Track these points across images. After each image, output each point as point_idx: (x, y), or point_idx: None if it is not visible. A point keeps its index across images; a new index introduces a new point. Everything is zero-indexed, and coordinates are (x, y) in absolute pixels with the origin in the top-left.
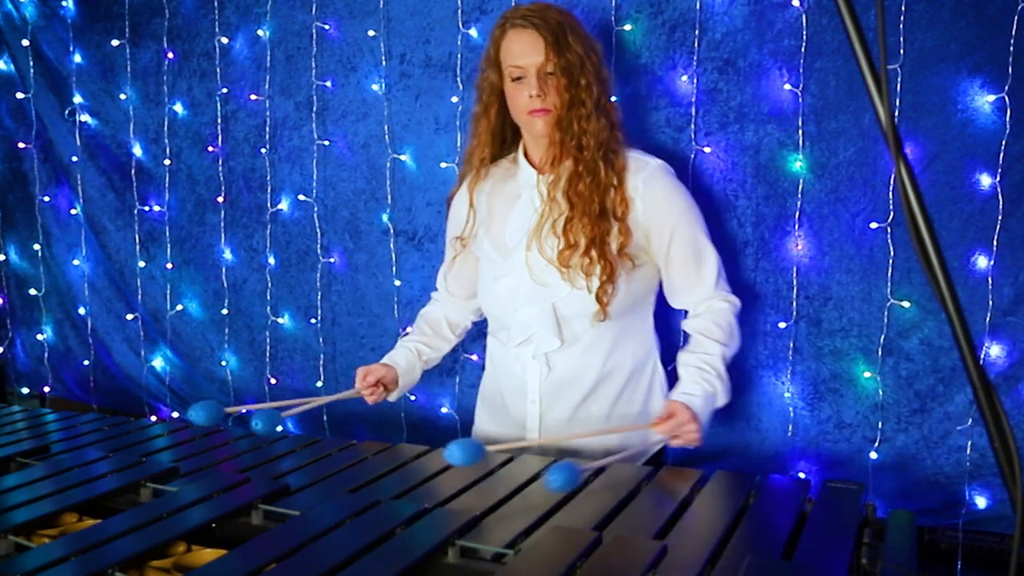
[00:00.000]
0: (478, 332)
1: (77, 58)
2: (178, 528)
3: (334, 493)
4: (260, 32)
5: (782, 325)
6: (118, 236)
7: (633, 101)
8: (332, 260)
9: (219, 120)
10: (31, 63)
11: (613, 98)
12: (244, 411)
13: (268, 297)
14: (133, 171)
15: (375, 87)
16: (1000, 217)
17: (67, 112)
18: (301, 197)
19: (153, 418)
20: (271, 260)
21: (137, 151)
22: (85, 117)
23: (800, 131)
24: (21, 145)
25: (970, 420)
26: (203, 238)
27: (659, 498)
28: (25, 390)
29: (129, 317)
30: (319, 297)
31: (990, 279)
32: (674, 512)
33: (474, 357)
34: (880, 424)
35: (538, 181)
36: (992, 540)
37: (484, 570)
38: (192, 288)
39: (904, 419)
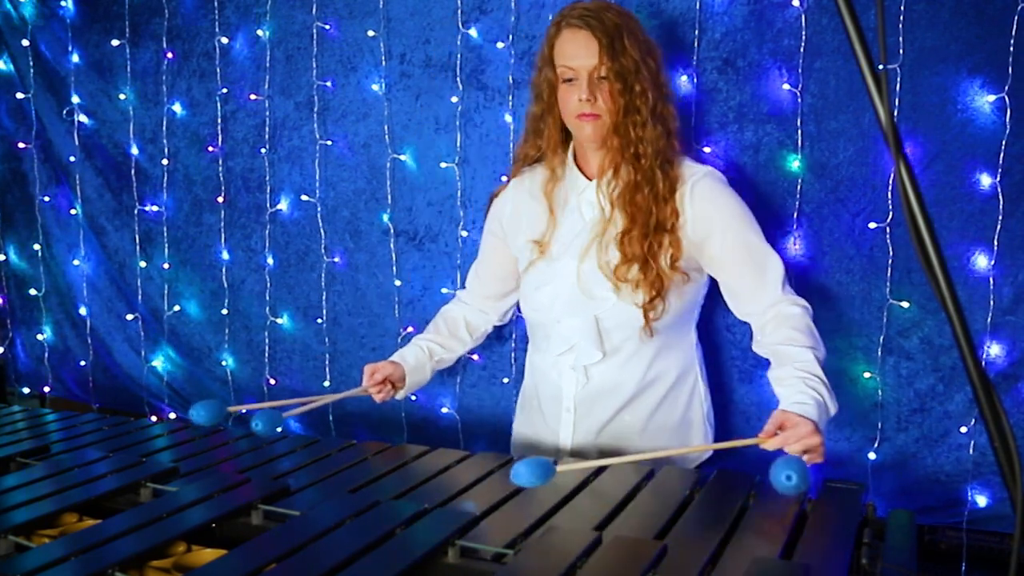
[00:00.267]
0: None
1: (75, 58)
2: (178, 528)
3: (334, 493)
4: (260, 32)
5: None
6: (117, 236)
7: None
8: (335, 260)
9: (218, 120)
10: (30, 63)
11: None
12: (244, 411)
13: (267, 297)
14: (132, 171)
15: (375, 87)
16: (1000, 217)
17: (65, 112)
18: (304, 197)
19: (153, 418)
20: (269, 260)
21: (135, 151)
22: (83, 117)
23: (799, 131)
24: (21, 145)
25: (971, 419)
26: (201, 238)
27: (659, 498)
28: (25, 390)
29: (129, 317)
30: (322, 297)
31: (991, 279)
32: (674, 512)
33: (475, 357)
34: (880, 424)
35: (588, 188)
36: (992, 540)
37: (484, 570)
38: (190, 288)
39: (904, 418)
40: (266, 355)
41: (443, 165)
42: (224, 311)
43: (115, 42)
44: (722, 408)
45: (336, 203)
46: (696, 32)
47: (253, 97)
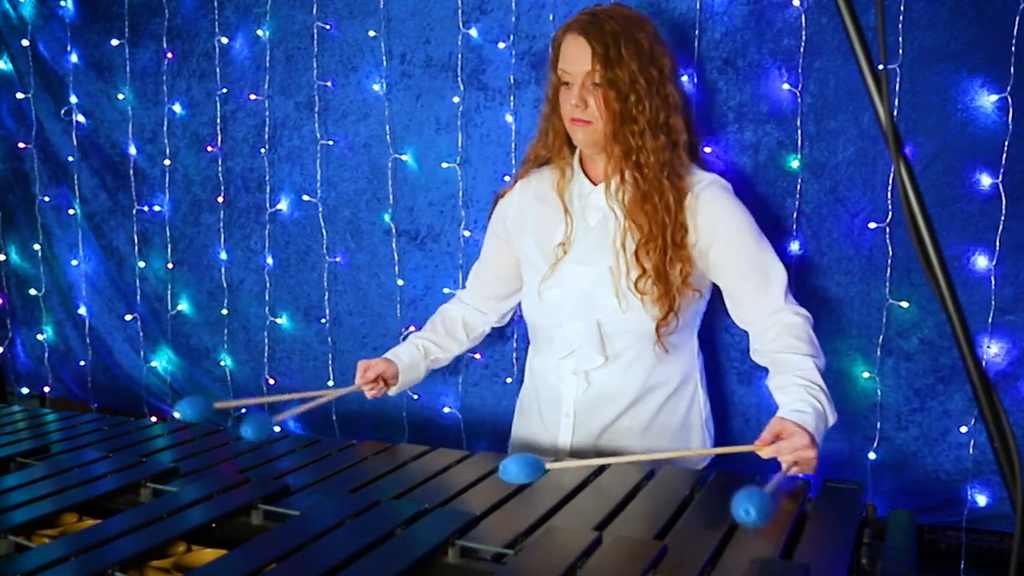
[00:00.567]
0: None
1: (75, 58)
2: (178, 528)
3: (334, 493)
4: (260, 32)
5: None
6: (116, 236)
7: None
8: (337, 260)
9: (218, 120)
10: (30, 63)
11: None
12: (234, 409)
13: (266, 297)
14: (131, 171)
15: (376, 87)
16: (1003, 217)
17: (63, 112)
18: (305, 197)
19: (153, 418)
20: (269, 260)
21: (134, 151)
22: (80, 117)
23: (799, 131)
24: (21, 145)
25: (970, 419)
26: (200, 238)
27: (659, 498)
28: (25, 390)
29: (128, 317)
30: (324, 297)
31: (991, 279)
32: (674, 512)
33: (477, 356)
34: (879, 424)
35: (593, 192)
36: (992, 539)
37: (484, 570)
38: (189, 288)
39: (904, 418)
40: (265, 355)
41: (444, 165)
42: (223, 311)
43: (115, 42)
44: (721, 411)
45: (337, 203)
46: (696, 32)
47: (253, 97)
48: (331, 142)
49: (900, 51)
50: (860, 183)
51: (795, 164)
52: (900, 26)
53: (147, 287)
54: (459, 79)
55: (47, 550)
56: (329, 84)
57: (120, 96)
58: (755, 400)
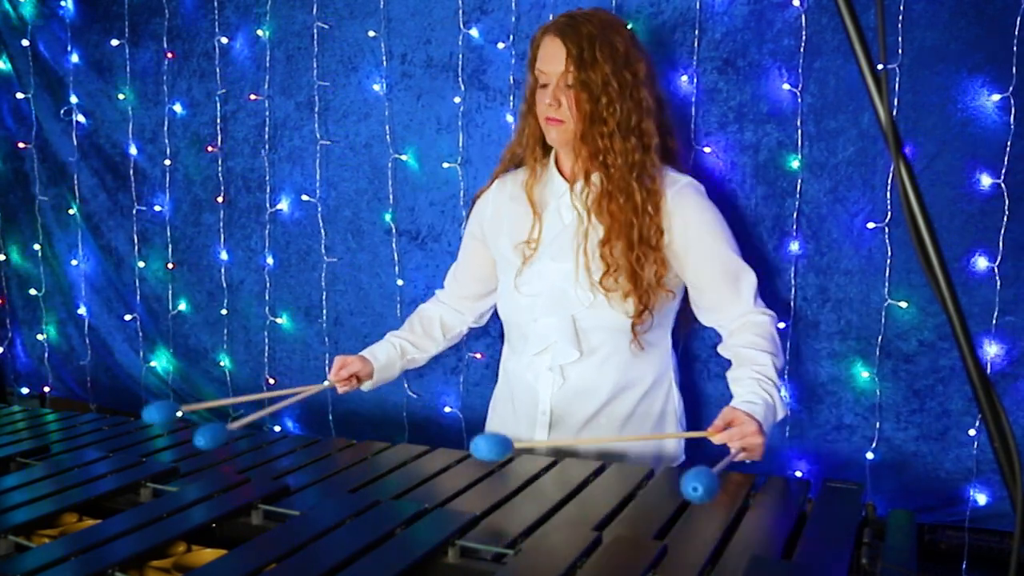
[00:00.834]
0: (481, 331)
1: (75, 58)
2: (178, 528)
3: (334, 493)
4: (260, 32)
5: (780, 326)
6: (116, 236)
7: None
8: (336, 260)
9: (218, 120)
10: (30, 63)
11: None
12: (236, 409)
13: (266, 297)
14: (131, 171)
15: (376, 87)
16: (1005, 218)
17: (63, 112)
18: (304, 197)
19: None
20: (269, 260)
21: (135, 151)
22: (81, 117)
23: (799, 131)
24: (21, 145)
25: (970, 420)
26: (200, 238)
27: (659, 498)
28: (25, 390)
29: (128, 317)
30: (324, 297)
31: (990, 279)
32: (674, 512)
33: (478, 355)
34: (878, 425)
35: (567, 192)
36: (992, 539)
37: (484, 570)
38: (189, 288)
39: (903, 420)
40: (265, 355)
41: (445, 165)
42: (223, 311)
43: (115, 42)
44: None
45: (338, 203)
46: (696, 32)
47: (253, 97)
48: (330, 142)
49: (900, 51)
50: (860, 183)
51: (795, 164)
52: (900, 26)
53: (147, 287)
54: (460, 79)
55: (47, 550)
56: (329, 84)
57: (120, 96)
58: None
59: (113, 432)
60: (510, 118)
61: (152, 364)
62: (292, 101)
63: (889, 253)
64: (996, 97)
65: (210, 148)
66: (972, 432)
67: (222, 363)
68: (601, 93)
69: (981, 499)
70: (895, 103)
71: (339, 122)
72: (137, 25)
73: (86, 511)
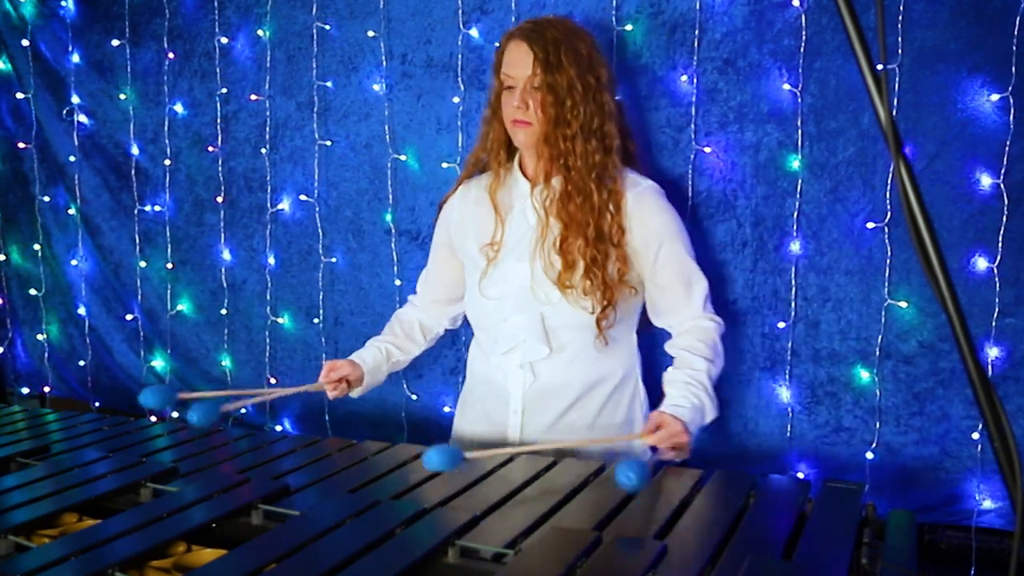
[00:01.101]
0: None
1: (76, 58)
2: (178, 528)
3: (334, 493)
4: (260, 32)
5: (781, 325)
6: (116, 236)
7: (633, 101)
8: (334, 260)
9: (219, 120)
10: (30, 63)
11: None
12: (237, 411)
13: (268, 297)
14: (132, 171)
15: (376, 87)
16: (1004, 218)
17: (64, 112)
18: (303, 197)
19: (153, 418)
20: (271, 260)
21: (136, 151)
22: (82, 118)
23: (799, 131)
24: (21, 145)
25: (970, 420)
26: (202, 238)
27: (659, 498)
28: (25, 390)
29: (128, 317)
30: (321, 297)
31: (990, 280)
32: (674, 512)
33: None
34: (878, 426)
35: (531, 193)
36: (992, 539)
37: (484, 570)
38: (190, 288)
39: (903, 421)
40: (266, 355)
41: (445, 165)
42: (223, 311)
43: (115, 42)
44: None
45: (338, 203)
46: (696, 32)
47: (254, 97)
48: (330, 142)
49: (900, 51)
50: (860, 183)
51: (795, 164)
52: (900, 26)
53: (148, 287)
54: (459, 79)
55: (47, 550)
56: (330, 84)
57: (122, 96)
58: (754, 401)
59: (113, 432)
60: None
61: (153, 364)
62: (293, 101)
63: (889, 253)
64: (995, 97)
65: (211, 148)
66: (975, 436)
67: (223, 363)
68: (567, 96)
69: (981, 500)
70: (895, 103)
71: (339, 122)
72: (138, 25)
73: (86, 511)
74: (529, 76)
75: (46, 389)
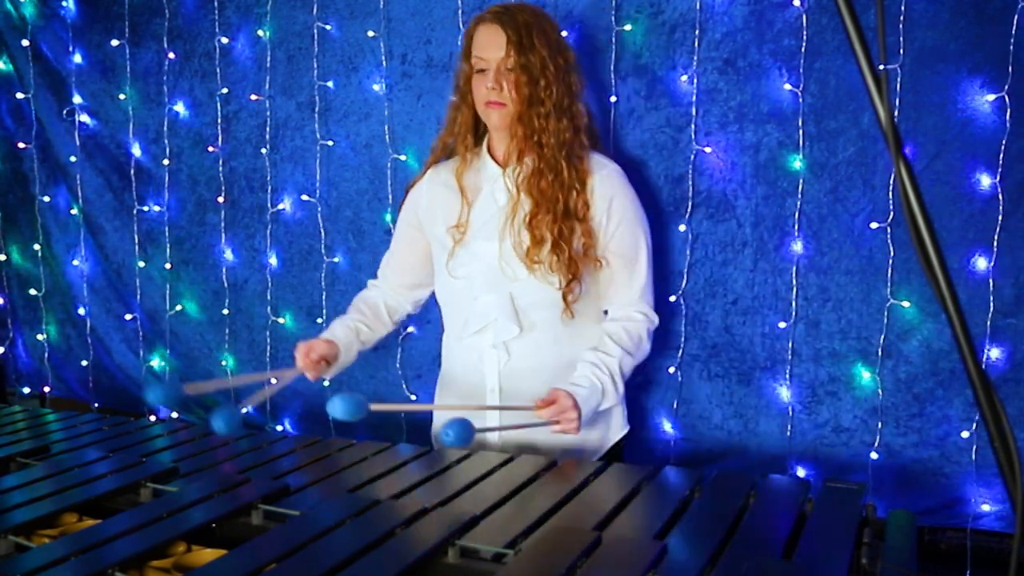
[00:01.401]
0: None
1: (77, 58)
2: (178, 528)
3: (334, 493)
4: (261, 32)
5: (782, 325)
6: (117, 236)
7: (633, 101)
8: (337, 260)
9: (220, 120)
10: (30, 63)
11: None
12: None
13: (268, 297)
14: (132, 171)
15: (376, 87)
16: (1000, 217)
17: (65, 112)
18: (304, 197)
19: (153, 418)
20: (272, 260)
21: (137, 151)
22: (84, 117)
23: (800, 131)
24: (21, 145)
25: (970, 422)
26: (203, 238)
27: (659, 498)
28: (26, 390)
29: (128, 317)
30: (323, 296)
31: (991, 280)
32: (674, 512)
33: None
34: (879, 426)
35: (501, 175)
36: (992, 540)
37: (484, 570)
38: (191, 288)
39: (903, 422)
40: (267, 355)
41: None
42: (225, 311)
43: (116, 42)
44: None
45: (339, 203)
46: (696, 32)
47: (254, 97)
48: (331, 142)
49: (900, 51)
50: (860, 183)
51: (796, 164)
52: (900, 26)
53: (149, 287)
54: None
55: (47, 550)
56: (330, 84)
57: (122, 96)
58: (754, 401)
59: (113, 432)
60: None
61: (153, 364)
62: (293, 101)
63: (890, 253)
64: (992, 96)
65: (211, 148)
66: (965, 435)
67: (224, 363)
68: (540, 75)
69: (981, 501)
70: (895, 103)
71: (340, 122)
72: (138, 25)
73: (86, 511)
74: (502, 58)
75: (46, 389)
